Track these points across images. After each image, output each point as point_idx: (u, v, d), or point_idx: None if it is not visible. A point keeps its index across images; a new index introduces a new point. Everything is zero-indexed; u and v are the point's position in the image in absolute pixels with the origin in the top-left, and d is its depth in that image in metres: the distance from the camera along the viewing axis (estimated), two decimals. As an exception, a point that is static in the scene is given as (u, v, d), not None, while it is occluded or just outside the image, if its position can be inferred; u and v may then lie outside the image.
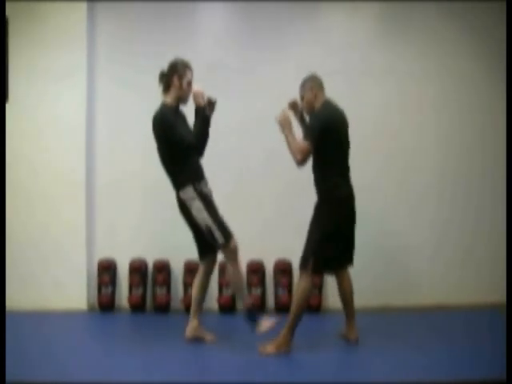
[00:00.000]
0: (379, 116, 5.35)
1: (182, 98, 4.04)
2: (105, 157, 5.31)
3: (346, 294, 4.16)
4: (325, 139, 3.87)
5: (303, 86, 4.08)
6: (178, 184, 4.00)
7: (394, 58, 5.36)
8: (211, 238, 3.95)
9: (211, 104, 4.05)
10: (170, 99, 4.03)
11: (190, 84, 4.02)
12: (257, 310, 3.98)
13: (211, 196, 4.08)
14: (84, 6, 5.18)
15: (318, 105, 4.01)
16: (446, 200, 5.39)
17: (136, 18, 5.28)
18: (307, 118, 4.18)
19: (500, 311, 4.45)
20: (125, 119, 5.30)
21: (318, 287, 5.13)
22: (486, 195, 5.37)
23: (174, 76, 3.99)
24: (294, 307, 3.92)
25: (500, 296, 4.90)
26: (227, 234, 3.95)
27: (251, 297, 5.10)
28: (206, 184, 4.09)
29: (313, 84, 4.05)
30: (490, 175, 5.36)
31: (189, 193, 3.96)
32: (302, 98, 4.10)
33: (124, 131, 5.30)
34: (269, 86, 5.23)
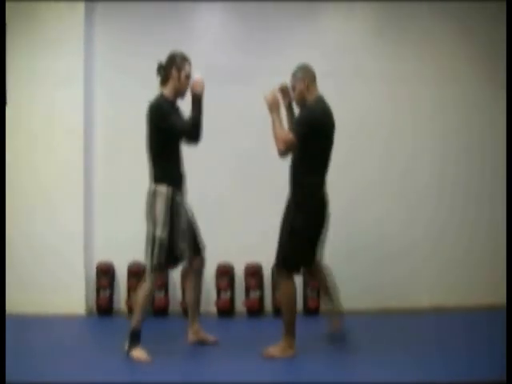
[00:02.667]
0: (375, 118, 5.37)
1: (179, 91, 3.98)
2: (104, 160, 5.31)
3: (325, 284, 4.15)
4: (311, 137, 3.79)
5: (294, 75, 3.99)
6: (158, 177, 3.93)
7: (390, 59, 5.40)
8: (150, 251, 3.88)
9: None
10: (167, 91, 3.98)
11: (188, 77, 3.96)
12: (138, 336, 3.86)
13: (183, 209, 3.98)
14: (82, 6, 5.18)
15: (310, 98, 3.93)
16: (444, 201, 5.41)
17: (134, 18, 5.29)
18: (295, 108, 4.10)
19: (499, 312, 4.45)
20: (123, 120, 5.29)
21: (316, 290, 5.13)
22: (485, 196, 5.40)
23: (173, 68, 3.95)
24: (283, 312, 3.90)
25: (498, 298, 4.92)
26: (164, 260, 3.87)
27: (250, 300, 5.13)
28: (183, 195, 4.03)
29: (305, 74, 3.96)
30: (488, 176, 5.39)
31: (162, 193, 3.88)
32: (293, 87, 3.99)
33: (123, 134, 5.30)
34: (266, 86, 5.22)
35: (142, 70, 5.11)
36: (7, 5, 4.65)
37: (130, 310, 5.10)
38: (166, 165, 3.95)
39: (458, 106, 5.45)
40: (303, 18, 5.36)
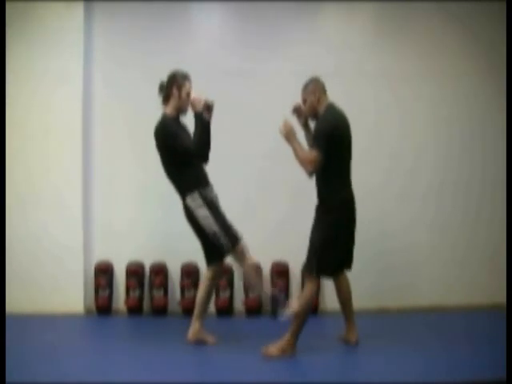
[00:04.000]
0: (377, 116, 5.36)
1: (181, 109, 4.09)
2: (103, 159, 5.28)
3: (345, 297, 4.17)
4: (332, 146, 3.83)
5: (305, 88, 4.02)
6: (184, 191, 4.04)
7: (392, 58, 5.39)
8: (218, 245, 4.00)
9: (209, 107, 4.00)
10: (169, 110, 4.08)
11: (188, 95, 4.05)
12: (281, 299, 4.10)
13: (217, 201, 4.13)
14: (81, 5, 5.16)
15: (321, 108, 3.97)
16: (444, 201, 5.41)
17: (133, 17, 5.25)
18: (311, 123, 4.14)
19: (498, 312, 4.47)
20: (123, 119, 5.28)
21: (316, 289, 5.13)
22: (485, 196, 5.40)
23: (173, 87, 4.04)
24: (299, 311, 3.91)
25: (497, 297, 4.95)
26: (234, 239, 4.00)
27: (249, 299, 5.12)
28: (212, 190, 4.14)
29: (315, 87, 4.00)
30: (489, 175, 5.39)
31: (195, 200, 4.00)
32: (305, 101, 4.03)
33: (122, 133, 5.28)
34: (265, 86, 5.23)
35: (142, 69, 5.11)
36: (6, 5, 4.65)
37: (129, 309, 5.11)
38: (185, 174, 4.04)
39: (459, 105, 5.45)
40: (304, 17, 5.34)
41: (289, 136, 3.91)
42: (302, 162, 3.86)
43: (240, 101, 5.22)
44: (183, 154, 3.98)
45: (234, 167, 5.27)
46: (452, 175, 5.41)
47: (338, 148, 3.89)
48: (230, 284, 5.14)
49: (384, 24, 5.43)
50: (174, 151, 3.99)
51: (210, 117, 4.01)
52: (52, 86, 5.14)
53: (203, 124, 3.96)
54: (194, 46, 5.24)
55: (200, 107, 3.95)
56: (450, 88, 5.43)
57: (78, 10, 5.15)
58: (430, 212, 5.41)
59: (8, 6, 4.77)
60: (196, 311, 4.18)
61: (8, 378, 3.01)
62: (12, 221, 4.97)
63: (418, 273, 5.36)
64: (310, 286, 3.92)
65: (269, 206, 5.30)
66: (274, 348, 3.86)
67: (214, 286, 4.27)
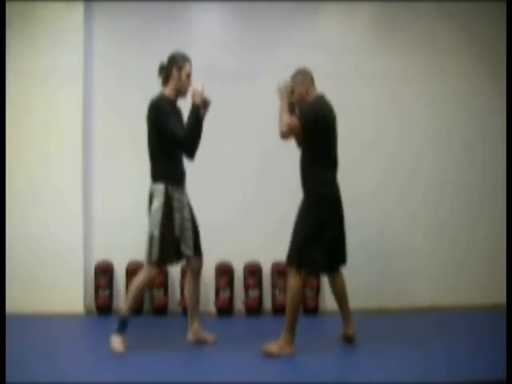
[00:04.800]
0: (375, 116, 5.37)
1: (180, 91, 4.02)
2: (102, 159, 5.30)
3: (340, 297, 4.14)
4: (315, 131, 3.83)
5: (293, 79, 4.02)
6: (155, 175, 3.96)
7: (391, 58, 5.40)
8: (148, 248, 3.91)
9: (205, 104, 3.97)
10: (168, 91, 4.02)
11: (188, 76, 4.01)
12: (124, 324, 3.96)
13: (183, 210, 4.02)
14: (81, 5, 5.17)
15: (309, 99, 3.96)
16: (444, 201, 5.42)
17: (133, 18, 5.27)
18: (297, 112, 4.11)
19: (498, 312, 4.46)
20: (122, 120, 5.28)
21: (315, 289, 5.14)
22: (485, 196, 5.41)
23: (173, 68, 3.99)
24: (287, 307, 3.92)
25: (497, 297, 4.94)
26: (162, 257, 3.90)
27: (249, 299, 5.12)
28: (183, 192, 4.06)
29: (304, 78, 4.00)
30: (489, 175, 5.40)
31: (159, 191, 3.91)
32: (293, 91, 4.01)
33: (121, 133, 5.29)
34: (265, 86, 5.21)
35: (142, 69, 5.11)
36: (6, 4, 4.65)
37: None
38: (164, 162, 3.97)
39: (459, 105, 5.45)
40: (303, 18, 5.35)
41: (283, 95, 3.93)
42: (281, 122, 3.86)
43: (239, 101, 5.22)
44: (169, 137, 3.89)
45: (234, 167, 5.27)
46: (452, 175, 5.42)
47: (322, 136, 3.87)
48: (230, 284, 5.15)
49: (383, 24, 5.44)
50: (161, 132, 3.90)
51: (205, 113, 3.96)
52: (52, 86, 5.15)
53: (197, 118, 3.90)
54: (194, 46, 5.22)
55: (199, 100, 3.91)
56: (449, 88, 5.43)
57: (78, 10, 5.17)
58: (429, 212, 5.41)
59: (8, 6, 4.77)
60: (189, 312, 4.18)
61: (8, 378, 3.01)
62: (12, 221, 4.99)
63: (418, 273, 5.36)
64: (292, 281, 3.88)
65: (269, 206, 5.30)
66: (272, 347, 3.86)
67: (198, 282, 4.19)
